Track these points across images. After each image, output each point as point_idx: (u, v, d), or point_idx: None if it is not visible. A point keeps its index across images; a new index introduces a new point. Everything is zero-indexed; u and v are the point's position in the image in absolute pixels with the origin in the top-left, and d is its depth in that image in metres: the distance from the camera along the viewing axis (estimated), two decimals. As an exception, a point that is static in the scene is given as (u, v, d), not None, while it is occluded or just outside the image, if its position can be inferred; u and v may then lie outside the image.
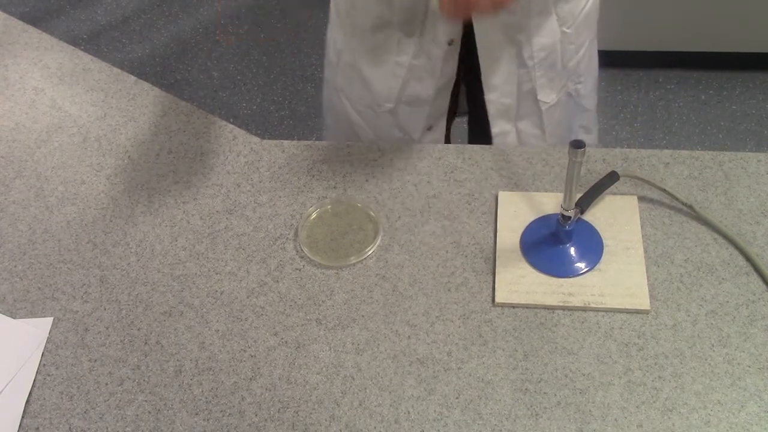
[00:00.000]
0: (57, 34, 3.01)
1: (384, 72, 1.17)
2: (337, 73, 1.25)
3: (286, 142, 1.12)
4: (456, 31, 1.09)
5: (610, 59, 2.60)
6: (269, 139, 1.13)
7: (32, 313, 0.95)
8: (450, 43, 1.11)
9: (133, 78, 1.25)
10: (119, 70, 1.26)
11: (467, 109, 1.34)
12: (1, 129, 1.19)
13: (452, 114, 1.33)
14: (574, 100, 1.27)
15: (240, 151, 1.11)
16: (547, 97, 1.20)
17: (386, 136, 1.24)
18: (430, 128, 1.22)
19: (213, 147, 1.12)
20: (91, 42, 3.02)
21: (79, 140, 1.16)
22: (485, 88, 1.15)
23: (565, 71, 1.20)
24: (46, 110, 1.21)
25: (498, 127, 1.19)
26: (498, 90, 1.16)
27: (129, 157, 1.12)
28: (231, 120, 2.62)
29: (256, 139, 1.13)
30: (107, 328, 0.93)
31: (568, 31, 1.16)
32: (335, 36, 1.22)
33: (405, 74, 1.16)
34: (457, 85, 1.24)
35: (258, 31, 3.00)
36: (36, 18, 3.13)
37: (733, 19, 2.40)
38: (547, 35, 1.14)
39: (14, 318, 0.95)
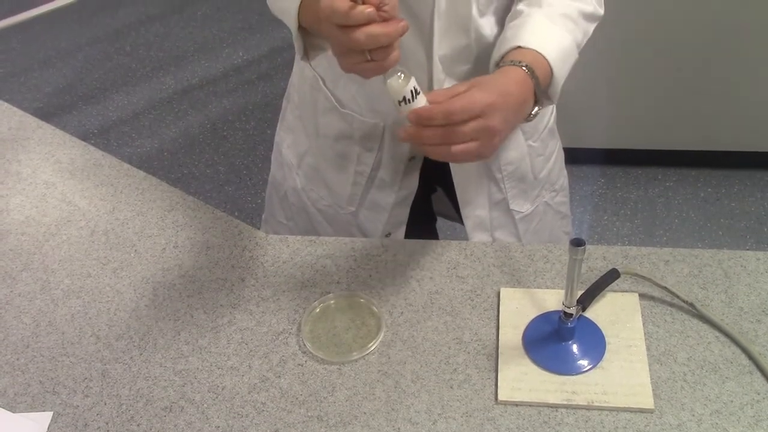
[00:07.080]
0: (69, 128, 3.09)
1: (345, 178, 1.20)
2: (297, 174, 1.27)
3: (290, 237, 1.13)
4: (417, 148, 1.11)
5: (610, 157, 2.67)
6: (274, 233, 1.14)
7: (32, 407, 0.94)
8: (411, 158, 1.14)
9: (142, 173, 1.27)
10: (129, 165, 1.29)
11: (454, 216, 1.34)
12: (11, 222, 1.21)
13: (426, 219, 1.35)
14: (552, 208, 1.29)
15: (245, 246, 1.13)
16: (521, 207, 1.23)
17: (346, 235, 1.25)
18: (388, 235, 1.24)
19: (218, 241, 1.14)
20: (102, 136, 3.10)
21: (87, 234, 1.17)
22: (460, 203, 1.18)
23: (538, 182, 1.23)
24: (57, 204, 1.23)
25: (476, 238, 1.21)
26: (471, 203, 1.18)
27: (135, 250, 1.14)
28: (236, 214, 2.65)
29: (261, 233, 1.15)
30: (107, 424, 0.92)
31: (534, 144, 1.19)
32: (297, 139, 1.25)
33: (366, 182, 1.18)
34: (430, 192, 1.26)
35: (264, 127, 3.07)
36: (49, 113, 3.22)
37: (730, 118, 2.46)
38: (513, 149, 1.17)
39: (13, 412, 0.94)
